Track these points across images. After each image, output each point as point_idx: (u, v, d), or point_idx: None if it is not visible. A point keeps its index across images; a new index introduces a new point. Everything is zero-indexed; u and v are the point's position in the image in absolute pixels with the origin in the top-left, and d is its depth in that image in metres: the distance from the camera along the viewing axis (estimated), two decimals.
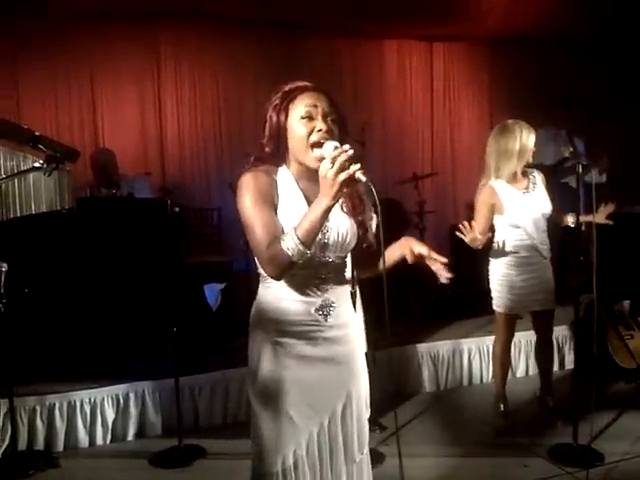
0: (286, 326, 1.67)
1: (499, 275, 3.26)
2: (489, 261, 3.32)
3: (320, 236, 1.58)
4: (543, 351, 3.52)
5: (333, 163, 1.42)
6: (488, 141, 3.23)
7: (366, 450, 1.82)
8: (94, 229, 3.70)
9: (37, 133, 2.48)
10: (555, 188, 3.40)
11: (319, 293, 1.67)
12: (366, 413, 1.83)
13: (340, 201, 1.62)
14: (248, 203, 1.58)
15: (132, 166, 5.23)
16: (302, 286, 1.66)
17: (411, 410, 3.64)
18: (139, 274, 3.75)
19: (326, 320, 1.69)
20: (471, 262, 4.87)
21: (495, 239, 3.23)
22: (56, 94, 5.46)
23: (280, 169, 1.68)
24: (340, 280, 1.73)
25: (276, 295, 1.68)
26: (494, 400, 3.44)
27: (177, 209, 3.82)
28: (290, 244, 1.48)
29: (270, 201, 1.61)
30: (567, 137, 4.67)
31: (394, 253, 1.72)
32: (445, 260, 1.69)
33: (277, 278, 1.60)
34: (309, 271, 1.64)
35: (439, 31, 6.47)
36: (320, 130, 1.58)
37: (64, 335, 3.56)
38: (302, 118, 1.60)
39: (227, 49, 5.89)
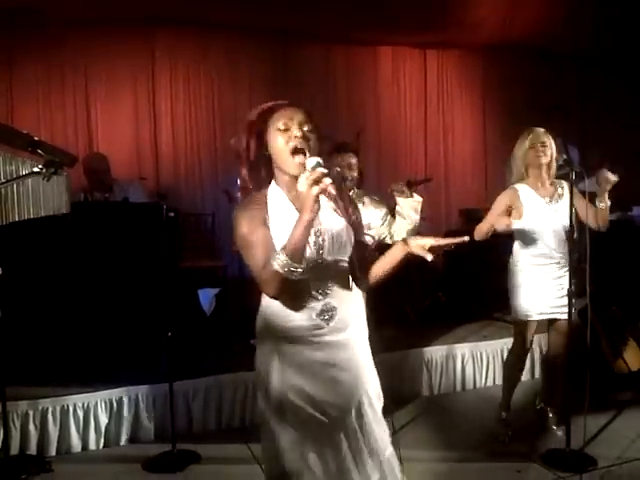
0: (289, 332, 1.70)
1: (516, 282, 3.23)
2: (508, 269, 3.29)
3: (314, 238, 1.65)
4: (553, 361, 3.38)
5: (308, 178, 1.50)
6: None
7: (391, 449, 1.83)
8: (89, 234, 3.69)
9: (36, 138, 2.48)
10: None
11: (320, 297, 1.70)
12: (381, 416, 1.84)
13: (332, 204, 1.69)
14: (243, 230, 1.66)
15: (127, 171, 5.23)
16: (303, 292, 1.68)
17: (405, 415, 3.66)
18: (133, 279, 3.75)
19: (328, 324, 1.71)
20: (465, 268, 4.90)
21: (514, 245, 3.25)
22: (50, 99, 5.44)
23: (270, 187, 1.74)
24: (343, 284, 1.74)
25: (278, 303, 1.70)
26: (498, 407, 3.45)
27: (172, 214, 3.82)
28: (280, 262, 1.54)
29: (262, 222, 1.67)
30: (562, 145, 4.69)
31: (394, 256, 1.74)
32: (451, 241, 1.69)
33: (276, 297, 1.65)
34: (309, 275, 1.65)
35: (433, 38, 6.51)
36: (296, 136, 1.66)
37: (58, 339, 3.55)
38: (279, 130, 1.68)
39: (223, 55, 5.91)
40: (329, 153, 2.84)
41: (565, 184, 3.21)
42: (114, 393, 3.35)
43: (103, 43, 5.46)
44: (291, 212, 1.68)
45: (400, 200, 3.15)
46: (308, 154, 1.63)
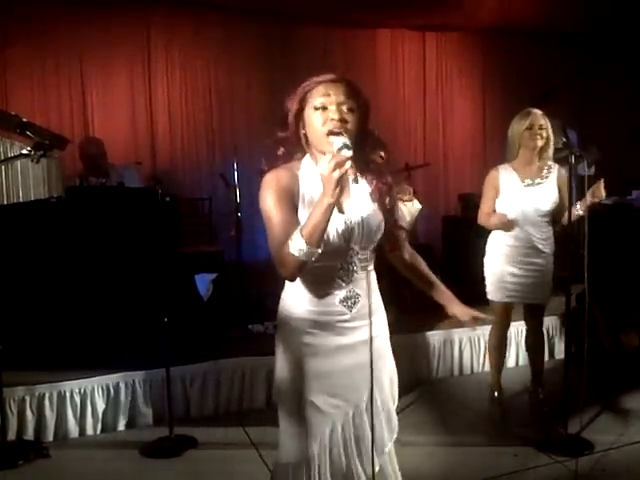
0: (312, 318, 1.69)
1: (492, 263, 3.28)
2: (485, 250, 3.33)
3: (343, 227, 1.62)
4: (533, 343, 3.54)
5: (330, 162, 1.43)
6: None
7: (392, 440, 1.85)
8: (84, 218, 3.67)
9: (24, 119, 2.44)
10: None
11: (344, 284, 1.69)
12: (392, 403, 1.85)
13: (369, 188, 1.67)
14: (268, 203, 1.61)
15: (122, 155, 5.18)
16: (327, 277, 1.67)
17: (402, 400, 3.63)
18: (130, 264, 3.73)
19: (350, 311, 1.71)
20: (463, 252, 4.88)
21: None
22: (45, 82, 5.37)
23: (304, 160, 1.70)
24: (367, 271, 1.73)
25: (301, 287, 1.69)
26: (490, 387, 3.48)
27: (168, 199, 3.80)
28: (297, 245, 1.49)
29: (290, 199, 1.62)
30: (561, 128, 4.66)
31: (438, 294, 1.92)
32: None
33: (290, 279, 1.62)
34: (334, 262, 1.66)
35: (432, 21, 6.43)
36: (333, 119, 1.59)
37: (54, 324, 3.54)
38: (316, 109, 1.62)
39: (219, 37, 5.83)
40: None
41: (556, 168, 3.21)
42: (111, 378, 3.34)
43: (98, 25, 5.37)
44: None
45: (401, 206, 3.16)
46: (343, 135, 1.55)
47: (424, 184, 6.33)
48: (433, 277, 1.92)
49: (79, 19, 5.30)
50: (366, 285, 1.73)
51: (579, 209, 3.02)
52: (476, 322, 1.88)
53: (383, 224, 1.72)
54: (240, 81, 5.90)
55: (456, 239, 5.37)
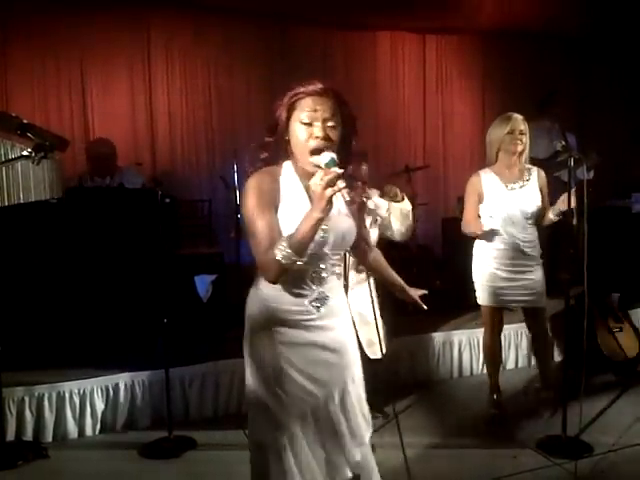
0: (280, 314, 1.73)
1: (479, 266, 3.30)
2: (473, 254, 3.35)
3: (321, 234, 1.65)
4: (536, 347, 3.57)
5: (322, 179, 1.49)
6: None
7: (369, 436, 1.88)
8: (84, 219, 3.67)
9: (25, 121, 2.45)
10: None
11: (314, 287, 1.74)
12: (364, 396, 1.89)
13: (345, 204, 1.71)
14: (250, 206, 1.64)
15: (122, 156, 5.15)
16: (299, 279, 1.72)
17: (402, 401, 3.66)
18: (129, 265, 3.73)
19: (318, 311, 1.75)
20: (461, 255, 4.89)
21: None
22: (45, 82, 5.37)
23: (285, 165, 1.74)
24: (336, 275, 1.81)
25: (273, 286, 1.71)
26: (488, 390, 3.48)
27: (168, 200, 3.80)
28: (283, 253, 1.54)
29: (272, 203, 1.66)
30: (560, 131, 4.68)
31: (395, 286, 2.07)
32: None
33: (273, 282, 1.66)
34: (307, 266, 1.69)
35: (432, 23, 6.43)
36: (317, 137, 1.63)
37: (54, 325, 3.54)
38: (302, 123, 1.65)
39: (219, 39, 5.84)
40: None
41: (535, 171, 3.25)
42: (110, 379, 3.35)
43: (98, 26, 5.37)
44: (303, 200, 1.68)
45: (392, 204, 3.14)
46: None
47: (424, 186, 6.34)
48: (394, 275, 2.08)
49: (79, 19, 5.30)
50: (335, 287, 1.80)
51: (551, 214, 3.15)
52: (422, 300, 2.11)
53: (355, 233, 1.79)
54: (240, 82, 5.91)
55: (455, 240, 5.37)
